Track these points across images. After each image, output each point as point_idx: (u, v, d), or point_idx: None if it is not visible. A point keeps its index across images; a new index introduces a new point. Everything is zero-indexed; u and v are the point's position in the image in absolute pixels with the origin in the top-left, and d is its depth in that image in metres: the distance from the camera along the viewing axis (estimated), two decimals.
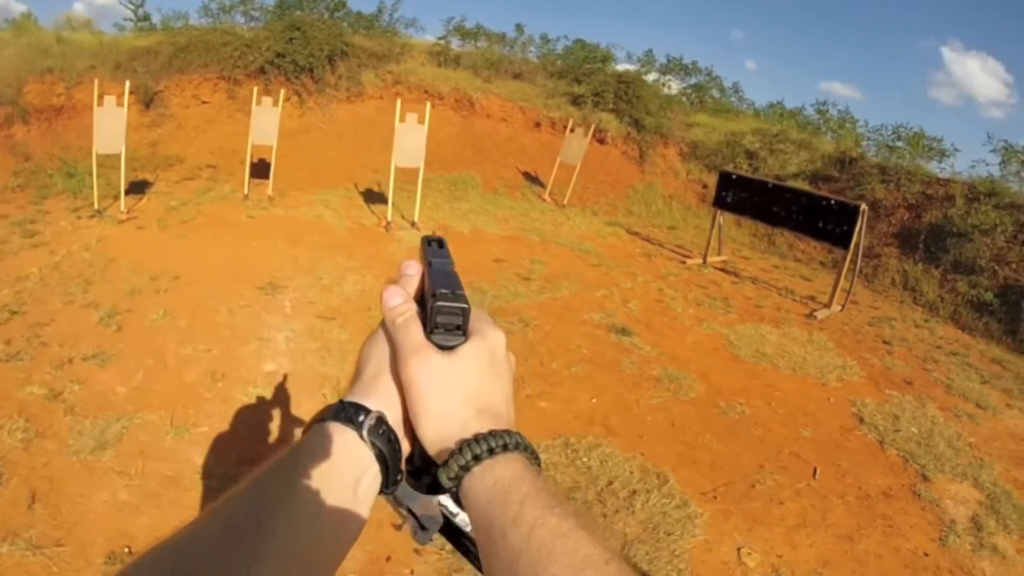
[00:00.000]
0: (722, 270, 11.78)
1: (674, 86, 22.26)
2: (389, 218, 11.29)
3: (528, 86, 18.41)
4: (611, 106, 17.79)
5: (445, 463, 0.69)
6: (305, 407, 5.37)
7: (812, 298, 10.62)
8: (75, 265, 7.77)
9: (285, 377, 5.79)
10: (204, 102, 15.49)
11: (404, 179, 13.20)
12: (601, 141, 16.79)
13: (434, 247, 0.87)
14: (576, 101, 18.00)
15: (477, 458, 0.67)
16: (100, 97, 9.83)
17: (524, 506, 0.62)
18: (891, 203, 13.97)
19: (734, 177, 11.70)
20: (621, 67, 21.61)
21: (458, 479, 0.68)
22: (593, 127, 15.47)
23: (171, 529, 0.59)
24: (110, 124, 9.93)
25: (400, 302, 0.80)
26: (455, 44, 20.24)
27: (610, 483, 4.92)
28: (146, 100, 14.93)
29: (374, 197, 13.22)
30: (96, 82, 9.99)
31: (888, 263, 12.73)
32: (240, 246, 9.14)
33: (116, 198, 10.36)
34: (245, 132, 14.49)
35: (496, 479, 0.66)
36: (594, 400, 6.23)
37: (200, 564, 0.55)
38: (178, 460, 4.62)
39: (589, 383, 6.53)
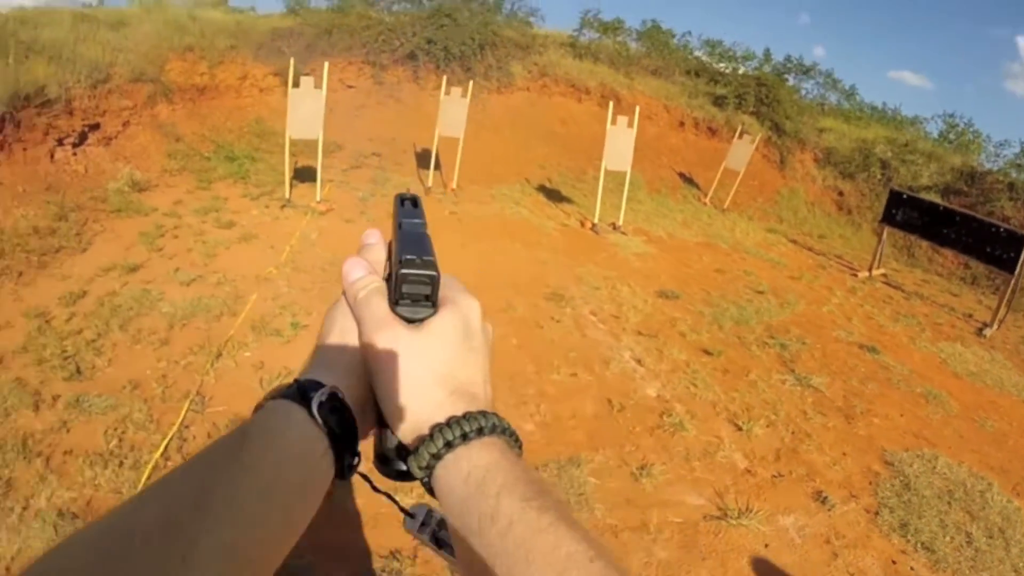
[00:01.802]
0: (886, 283, 11.85)
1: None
2: (596, 219, 11.04)
3: (668, 84, 18.33)
4: (752, 109, 17.36)
5: (416, 451, 0.63)
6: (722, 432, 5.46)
7: (970, 315, 10.77)
8: (315, 264, 7.61)
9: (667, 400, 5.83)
10: (350, 87, 15.01)
11: (573, 176, 12.60)
12: None
13: (407, 207, 0.80)
14: (718, 102, 17.63)
15: (450, 445, 0.61)
16: (296, 78, 9.27)
17: (501, 499, 0.57)
18: (1020, 221, 13.72)
19: (904, 196, 11.83)
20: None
21: (430, 468, 0.62)
22: (759, 136, 15.44)
23: None
24: (307, 108, 9.46)
25: (361, 275, 0.72)
26: (587, 37, 19.74)
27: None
28: (293, 83, 14.35)
29: (553, 194, 13.10)
30: (292, 62, 9.42)
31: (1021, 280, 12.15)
32: (473, 246, 9.01)
33: (281, 184, 10.19)
34: (399, 119, 14.17)
35: (471, 469, 0.60)
36: (902, 415, 6.43)
37: (130, 552, 0.47)
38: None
39: (885, 400, 6.68)
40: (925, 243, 13.21)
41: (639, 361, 6.44)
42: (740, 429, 5.45)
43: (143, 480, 3.90)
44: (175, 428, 4.41)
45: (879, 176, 16.67)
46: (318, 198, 9.62)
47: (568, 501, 4.21)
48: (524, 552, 0.53)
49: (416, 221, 0.75)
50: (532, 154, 14.70)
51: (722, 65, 21.16)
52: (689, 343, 7.07)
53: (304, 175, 10.41)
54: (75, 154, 9.67)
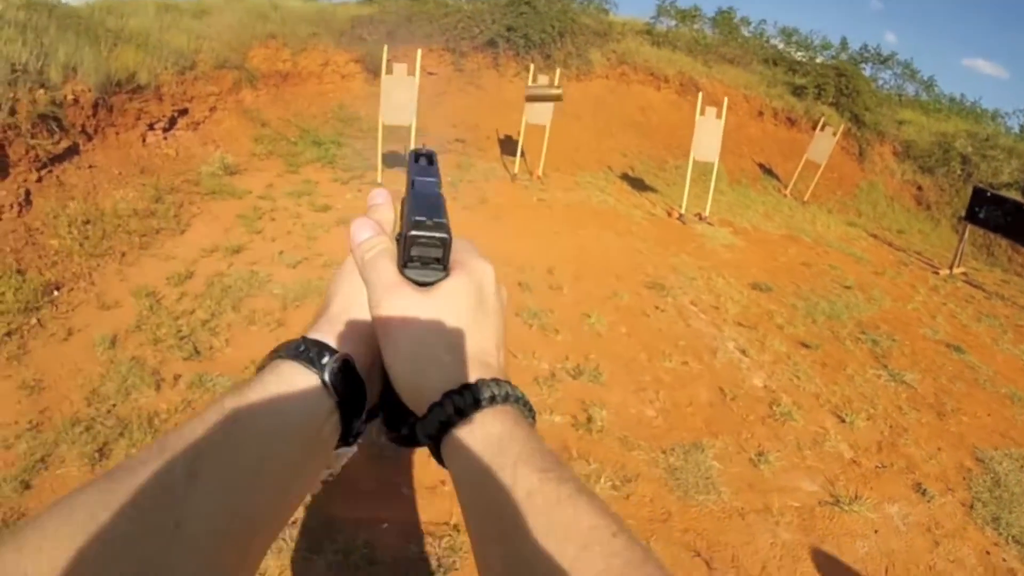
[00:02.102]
0: (966, 282, 11.71)
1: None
2: (683, 210, 11.16)
3: (746, 73, 18.25)
4: (831, 100, 17.12)
5: (424, 417, 0.61)
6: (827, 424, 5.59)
7: None
8: None
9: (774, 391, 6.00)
10: (431, 73, 15.14)
11: (655, 165, 12.57)
12: None
13: (422, 163, 0.78)
14: (797, 92, 17.44)
15: (461, 412, 0.59)
16: (389, 65, 9.37)
17: (518, 469, 0.55)
18: None
19: (988, 194, 11.68)
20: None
21: (439, 436, 0.60)
22: (842, 128, 15.24)
23: None
24: (400, 94, 9.52)
25: (369, 235, 0.70)
26: (663, 24, 19.67)
27: None
28: (373, 70, 14.58)
29: (636, 183, 13.21)
30: (385, 48, 9.45)
31: None
32: (568, 234, 9.16)
33: (369, 168, 10.43)
34: (480, 106, 14.30)
35: (485, 436, 0.58)
36: (989, 415, 6.38)
37: (122, 518, 0.47)
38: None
39: (972, 399, 6.72)
40: (1005, 242, 13.15)
41: (743, 352, 6.58)
42: (843, 421, 5.62)
43: None
44: None
45: (959, 171, 16.43)
46: None
47: (696, 483, 4.45)
48: (544, 523, 0.51)
49: (429, 180, 0.73)
50: (613, 142, 14.76)
51: (799, 54, 20.92)
52: (787, 336, 7.20)
53: (391, 160, 10.51)
54: (165, 138, 9.97)
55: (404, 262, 0.65)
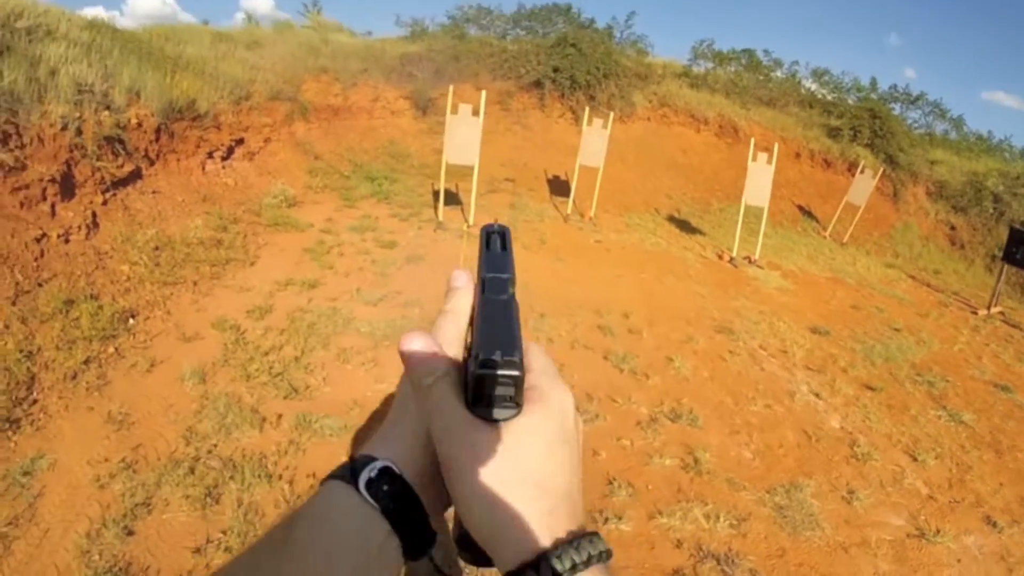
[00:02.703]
0: (1004, 321, 11.95)
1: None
2: (734, 253, 11.47)
3: (783, 115, 18.55)
4: (867, 141, 17.39)
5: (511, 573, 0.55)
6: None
7: None
8: None
9: (850, 432, 6.30)
10: (476, 111, 15.35)
11: (700, 208, 12.80)
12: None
13: (494, 246, 0.72)
14: (832, 134, 17.73)
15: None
16: (454, 105, 9.67)
17: None
18: None
19: None
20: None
21: None
22: (881, 171, 15.65)
23: None
24: (464, 134, 9.78)
25: (421, 350, 0.62)
26: (699, 66, 20.02)
27: None
28: (422, 106, 14.83)
29: (684, 225, 13.57)
30: (451, 89, 9.89)
31: None
32: (628, 276, 9.45)
33: (425, 205, 10.82)
34: (527, 146, 14.62)
35: None
36: None
37: None
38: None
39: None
40: None
41: (817, 395, 6.88)
42: (916, 460, 5.95)
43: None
44: None
45: (991, 210, 16.76)
46: (471, 222, 9.94)
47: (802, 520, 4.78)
48: None
49: (501, 279, 0.67)
50: (657, 183, 15.09)
51: (832, 96, 21.24)
52: (851, 378, 7.50)
53: (446, 198, 10.73)
54: (224, 167, 10.21)
55: (471, 400, 0.59)
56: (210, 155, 9.96)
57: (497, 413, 0.58)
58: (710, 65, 20.62)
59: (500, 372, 0.57)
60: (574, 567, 0.53)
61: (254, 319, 5.99)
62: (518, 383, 0.58)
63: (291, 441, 4.37)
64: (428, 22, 19.28)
